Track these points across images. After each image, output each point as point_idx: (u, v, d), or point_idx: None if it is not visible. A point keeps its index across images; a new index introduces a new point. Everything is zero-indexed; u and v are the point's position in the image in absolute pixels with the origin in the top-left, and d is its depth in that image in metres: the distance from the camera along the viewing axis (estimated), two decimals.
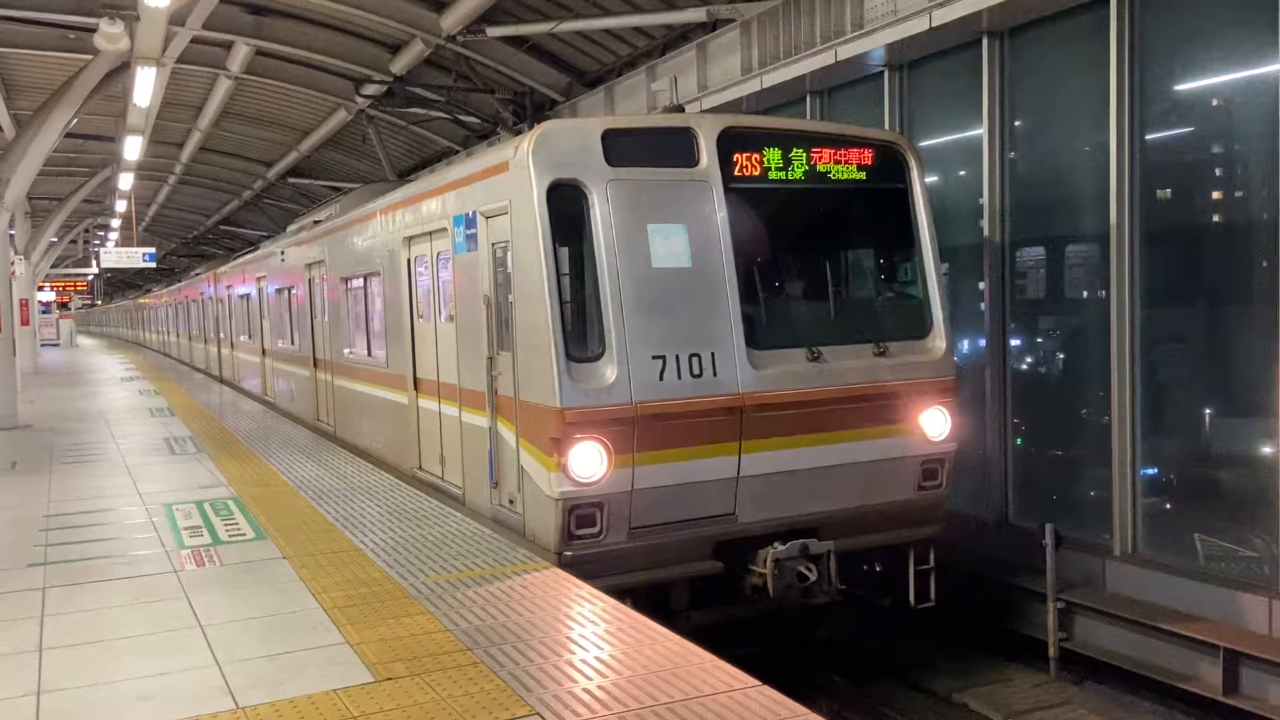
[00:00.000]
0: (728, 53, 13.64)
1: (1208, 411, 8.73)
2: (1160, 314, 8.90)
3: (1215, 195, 8.77)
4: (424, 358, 10.13)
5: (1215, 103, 8.60)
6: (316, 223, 15.60)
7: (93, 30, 13.33)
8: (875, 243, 8.85)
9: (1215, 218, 8.76)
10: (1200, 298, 8.72)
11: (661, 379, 7.25)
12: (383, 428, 11.71)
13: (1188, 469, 8.85)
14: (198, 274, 32.61)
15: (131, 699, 4.92)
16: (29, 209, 31.45)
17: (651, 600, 7.28)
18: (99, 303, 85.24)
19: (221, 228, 44.24)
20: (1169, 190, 8.93)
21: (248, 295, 21.02)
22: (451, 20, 16.38)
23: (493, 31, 16.40)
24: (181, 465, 11.74)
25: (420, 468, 10.37)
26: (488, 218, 8.12)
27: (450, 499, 9.23)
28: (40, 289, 41.42)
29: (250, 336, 21.05)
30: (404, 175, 24.15)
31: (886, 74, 11.37)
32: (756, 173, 7.83)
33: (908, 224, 8.48)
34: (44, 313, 45.96)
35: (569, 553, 7.24)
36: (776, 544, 7.66)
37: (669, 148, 7.67)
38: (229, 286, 23.54)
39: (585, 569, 6.98)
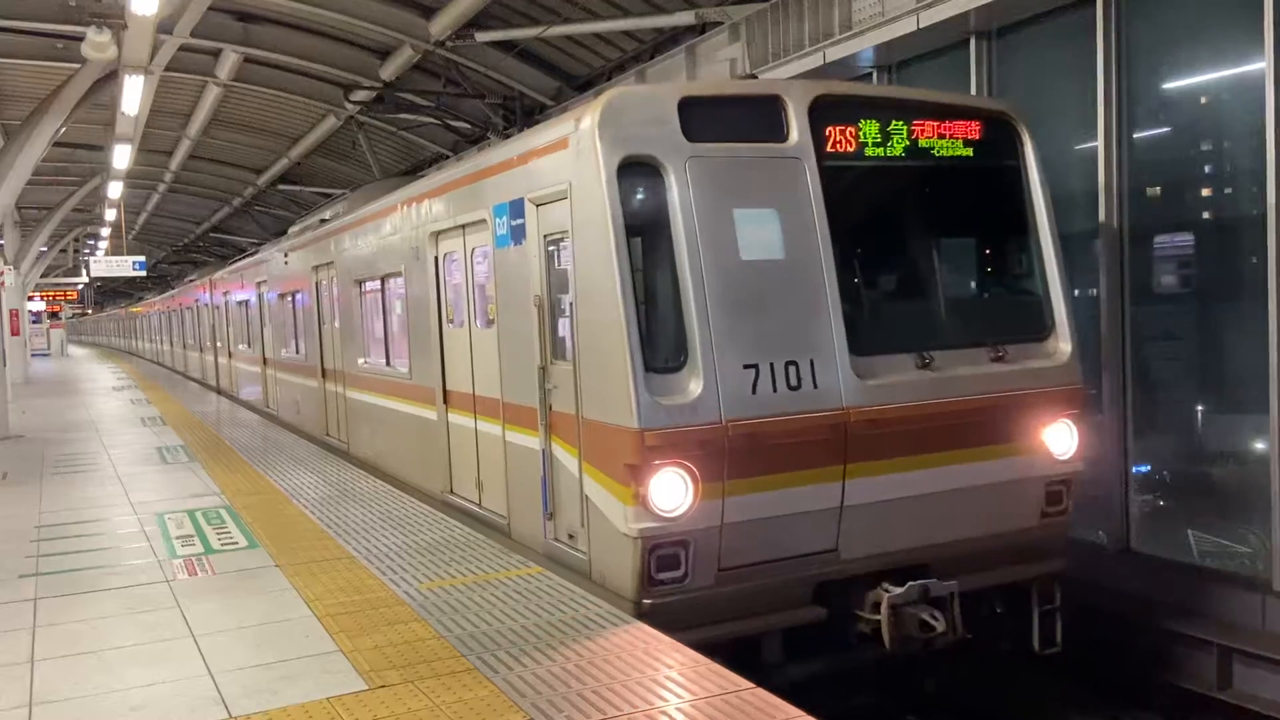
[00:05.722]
0: (717, 56, 13.64)
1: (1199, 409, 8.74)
2: (1151, 311, 8.92)
3: (1204, 192, 8.80)
4: (456, 368, 9.07)
5: (1203, 101, 8.63)
6: (323, 222, 14.73)
7: (80, 39, 13.30)
8: (986, 229, 7.76)
9: (1204, 215, 8.79)
10: (1191, 295, 8.74)
11: (754, 392, 6.20)
12: (405, 445, 10.65)
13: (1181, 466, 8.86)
14: (192, 280, 32.45)
15: (124, 709, 4.91)
16: (18, 218, 31.37)
17: (737, 652, 6.19)
18: (90, 312, 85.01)
19: (212, 235, 44.16)
20: (1158, 188, 8.96)
21: (246, 301, 20.22)
22: (440, 25, 16.37)
23: (482, 36, 16.40)
24: (174, 474, 11.70)
25: (451, 491, 9.36)
26: (539, 205, 7.07)
27: (491, 529, 8.27)
28: (30, 299, 41.29)
29: (250, 345, 20.24)
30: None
31: (875, 75, 11.38)
32: (851, 148, 6.79)
33: (1021, 207, 7.46)
34: (34, 323, 45.86)
35: (649, 601, 6.16)
36: (886, 585, 6.56)
37: (754, 119, 6.62)
38: (226, 293, 22.84)
39: (667, 619, 5.97)
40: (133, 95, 14.59)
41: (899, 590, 6.48)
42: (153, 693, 5.09)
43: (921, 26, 9.95)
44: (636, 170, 6.24)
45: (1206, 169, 8.86)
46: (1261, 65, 7.68)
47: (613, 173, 6.16)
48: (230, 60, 19.70)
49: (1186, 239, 8.80)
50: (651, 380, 6.05)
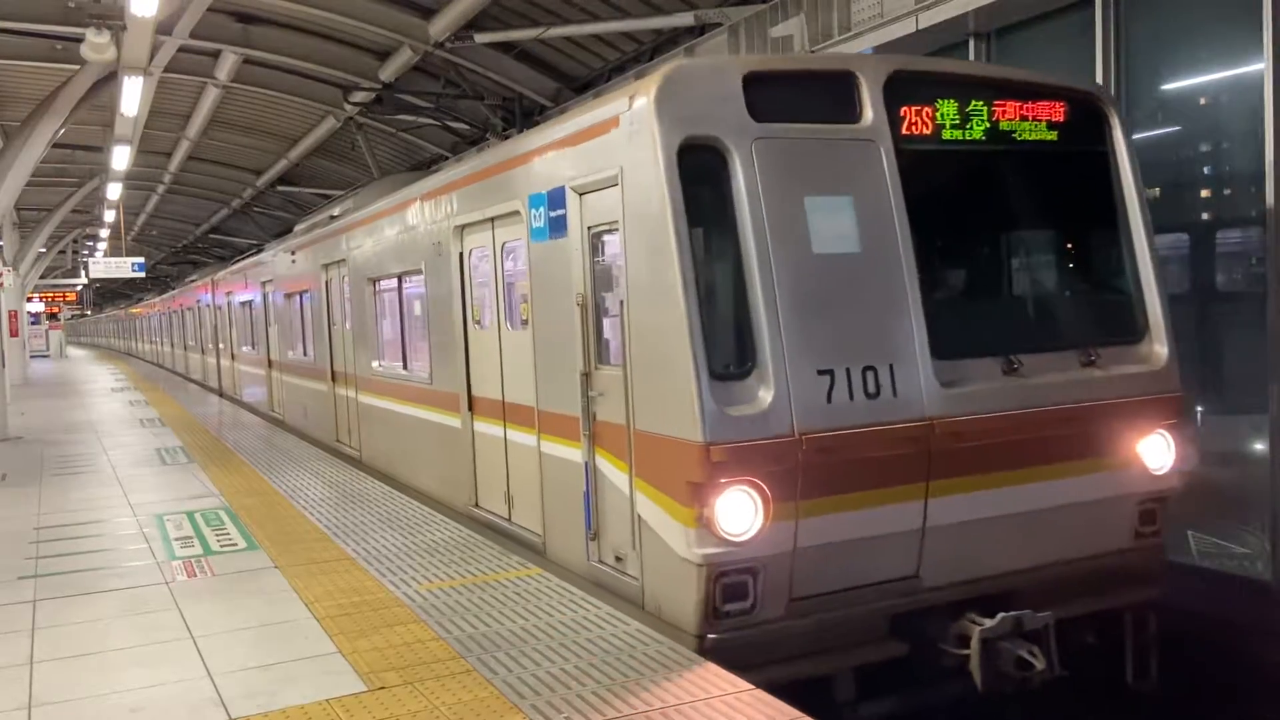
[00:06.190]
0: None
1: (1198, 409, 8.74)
2: None
3: (1204, 193, 8.81)
4: (482, 372, 8.52)
5: (1202, 101, 8.64)
6: (333, 218, 14.17)
7: (80, 40, 13.31)
8: (1072, 221, 7.10)
9: (1204, 215, 8.80)
10: (1190, 295, 8.74)
11: (830, 401, 5.60)
12: (425, 454, 10.09)
13: None
14: (193, 280, 32.36)
15: (124, 711, 4.91)
16: (17, 220, 31.41)
17: (804, 690, 5.56)
18: (89, 313, 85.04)
19: (211, 237, 44.17)
20: (1157, 189, 8.96)
21: (250, 302, 19.79)
22: (440, 27, 16.38)
23: (481, 38, 16.41)
24: (173, 476, 11.70)
25: (477, 504, 8.80)
26: (583, 194, 6.49)
27: (522, 546, 7.75)
28: (29, 300, 41.30)
29: (254, 347, 19.78)
30: None
31: None
32: (928, 131, 6.19)
33: (1110, 197, 6.86)
34: (33, 324, 45.87)
35: (714, 635, 5.55)
36: (973, 616, 5.96)
37: (825, 97, 6.03)
38: (229, 293, 22.46)
39: (733, 657, 5.38)
40: (132, 96, 14.60)
41: (991, 623, 5.82)
42: (152, 694, 5.09)
43: (921, 28, 9.96)
44: (697, 153, 5.61)
45: (1206, 169, 8.87)
46: (1261, 65, 7.69)
47: (672, 156, 5.54)
48: (229, 61, 19.69)
49: (1186, 239, 8.81)
50: (716, 388, 5.42)
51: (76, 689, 5.22)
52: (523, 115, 18.06)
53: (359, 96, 19.33)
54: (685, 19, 13.87)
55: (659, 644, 5.48)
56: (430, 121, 19.57)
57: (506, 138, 11.90)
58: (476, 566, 7.20)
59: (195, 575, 7.31)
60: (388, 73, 18.67)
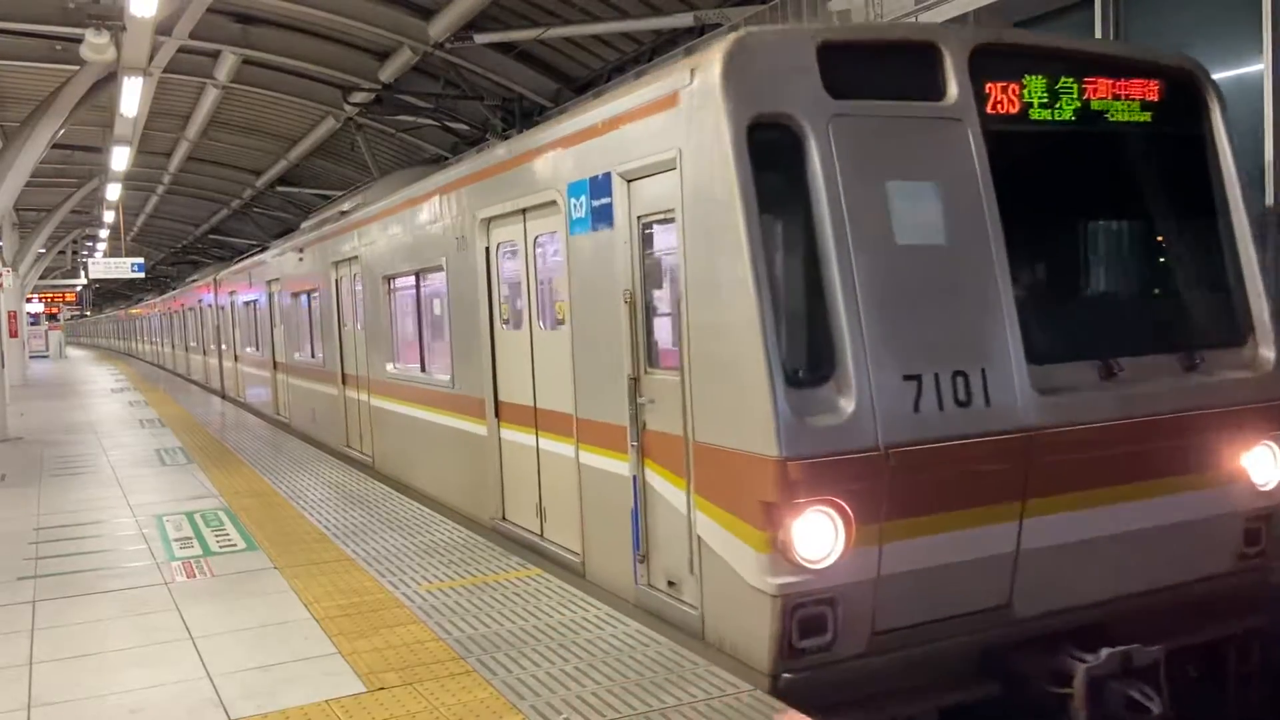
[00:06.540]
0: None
1: None
2: None
3: None
4: (511, 376, 8.04)
5: None
6: (343, 214, 13.68)
7: (79, 41, 13.32)
8: (1168, 211, 6.39)
9: None
10: None
11: (917, 410, 5.02)
12: (446, 463, 9.60)
13: None
14: (194, 280, 32.31)
15: (123, 712, 4.91)
16: (16, 220, 31.41)
17: None
18: (88, 314, 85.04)
19: (211, 237, 44.18)
20: None
21: (255, 301, 19.46)
22: (439, 27, 16.38)
23: (481, 38, 16.41)
24: (172, 477, 11.70)
25: (504, 518, 8.33)
26: (632, 180, 5.94)
27: (556, 565, 7.21)
28: (28, 301, 41.34)
29: (258, 348, 19.43)
30: None
31: None
32: (1015, 110, 5.61)
33: (1208, 184, 6.25)
34: (32, 324, 45.92)
35: (789, 675, 4.95)
36: (1073, 650, 5.34)
37: (905, 71, 5.45)
38: (232, 293, 22.19)
39: (811, 698, 4.83)
40: (131, 97, 14.62)
41: (1097, 659, 5.19)
42: (151, 695, 5.09)
43: None
44: (768, 132, 5.05)
45: None
46: (1261, 66, 7.69)
47: (741, 135, 4.97)
48: (229, 62, 19.70)
49: None
50: (792, 396, 4.84)
51: (76, 689, 5.22)
52: (522, 116, 18.05)
53: (359, 97, 19.33)
54: (685, 19, 13.88)
55: (658, 644, 5.48)
56: (430, 122, 19.57)
57: (506, 138, 11.75)
58: (476, 567, 7.19)
59: (195, 576, 7.31)
60: (387, 73, 18.68)
